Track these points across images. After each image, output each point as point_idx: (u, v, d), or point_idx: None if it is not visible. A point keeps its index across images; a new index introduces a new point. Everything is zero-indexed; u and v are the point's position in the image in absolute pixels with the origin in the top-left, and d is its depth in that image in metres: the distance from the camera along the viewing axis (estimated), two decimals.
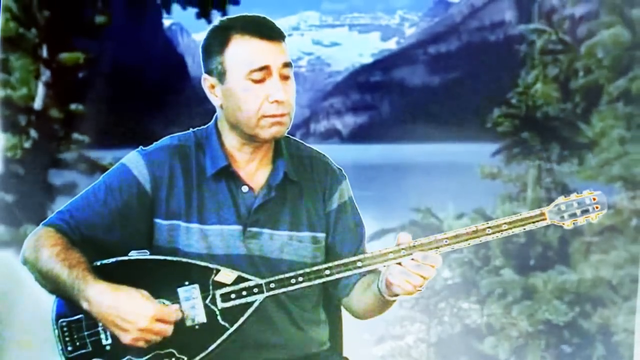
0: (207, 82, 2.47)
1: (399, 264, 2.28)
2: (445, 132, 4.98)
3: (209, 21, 5.04)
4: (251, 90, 2.38)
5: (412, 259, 2.27)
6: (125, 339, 2.25)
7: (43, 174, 5.09)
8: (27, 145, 5.13)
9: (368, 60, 5.45)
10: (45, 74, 5.13)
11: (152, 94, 5.17)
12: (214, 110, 2.53)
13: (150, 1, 5.27)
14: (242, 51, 2.40)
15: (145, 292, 2.27)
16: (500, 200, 5.05)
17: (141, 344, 2.25)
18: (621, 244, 4.89)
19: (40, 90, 5.12)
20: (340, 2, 5.39)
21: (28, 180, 5.08)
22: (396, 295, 2.34)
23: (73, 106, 5.11)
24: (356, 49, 5.46)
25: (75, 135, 5.09)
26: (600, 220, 4.82)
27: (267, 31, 2.41)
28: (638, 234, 4.86)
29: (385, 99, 5.37)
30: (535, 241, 5.02)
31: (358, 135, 5.44)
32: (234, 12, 4.96)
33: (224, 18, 2.50)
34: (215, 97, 2.47)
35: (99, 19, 5.12)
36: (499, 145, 5.10)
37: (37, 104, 5.12)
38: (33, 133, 5.13)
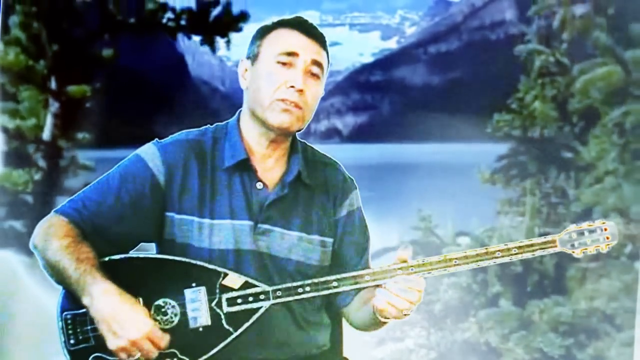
0: (242, 65, 2.55)
1: (382, 286, 2.27)
2: (445, 131, 4.98)
3: (213, 49, 5.07)
4: (274, 74, 2.44)
5: (395, 282, 2.26)
6: (112, 344, 2.23)
7: (51, 201, 5.10)
8: (37, 177, 5.18)
9: (368, 59, 5.44)
10: (54, 105, 5.18)
11: (152, 94, 5.15)
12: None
13: (156, 32, 5.30)
14: (279, 37, 2.49)
15: (146, 310, 2.27)
16: (500, 205, 5.07)
17: (123, 355, 2.23)
18: (616, 273, 4.89)
19: (49, 121, 5.18)
20: (341, 1, 5.39)
21: (37, 208, 5.11)
22: (387, 318, 2.33)
23: (80, 135, 5.16)
24: (356, 49, 5.43)
25: (82, 160, 5.18)
26: None
27: (309, 28, 2.52)
28: (632, 262, 4.88)
29: (386, 99, 5.35)
30: (532, 269, 5.02)
31: (358, 135, 5.40)
32: (236, 38, 4.96)
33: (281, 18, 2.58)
34: (244, 80, 2.53)
35: (106, 52, 5.19)
36: (497, 166, 5.12)
37: (46, 134, 5.18)
38: (41, 162, 5.19)
